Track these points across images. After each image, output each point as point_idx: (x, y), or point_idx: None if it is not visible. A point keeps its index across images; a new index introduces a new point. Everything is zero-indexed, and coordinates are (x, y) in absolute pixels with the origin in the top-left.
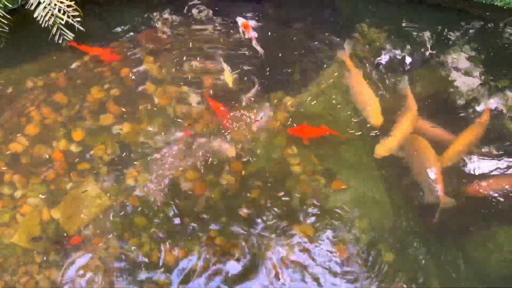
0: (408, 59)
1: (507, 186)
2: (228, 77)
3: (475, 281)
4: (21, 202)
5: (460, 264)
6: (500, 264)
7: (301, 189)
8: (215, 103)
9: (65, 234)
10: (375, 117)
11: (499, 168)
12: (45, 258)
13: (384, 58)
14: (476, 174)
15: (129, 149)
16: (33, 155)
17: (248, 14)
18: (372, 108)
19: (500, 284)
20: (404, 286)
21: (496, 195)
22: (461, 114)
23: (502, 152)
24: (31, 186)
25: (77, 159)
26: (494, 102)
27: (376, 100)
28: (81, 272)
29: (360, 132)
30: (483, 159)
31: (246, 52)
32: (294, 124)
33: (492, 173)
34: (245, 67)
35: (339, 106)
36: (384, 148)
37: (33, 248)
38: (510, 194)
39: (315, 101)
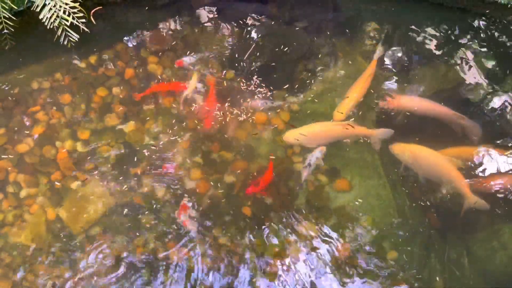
0: (412, 58)
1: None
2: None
3: (479, 279)
4: (27, 201)
5: (464, 262)
6: (504, 262)
7: (306, 188)
8: None
9: None
10: (338, 109)
11: (504, 166)
12: (50, 257)
13: (387, 57)
14: (483, 172)
15: (133, 148)
16: (39, 155)
17: (252, 14)
18: (345, 101)
19: (504, 282)
20: (408, 284)
21: (500, 192)
22: (465, 112)
23: (509, 151)
24: (37, 186)
25: (83, 159)
26: (498, 99)
27: (356, 96)
28: (86, 270)
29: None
30: (489, 157)
31: (250, 52)
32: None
33: (498, 172)
34: (249, 66)
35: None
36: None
37: (39, 247)
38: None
39: (318, 101)
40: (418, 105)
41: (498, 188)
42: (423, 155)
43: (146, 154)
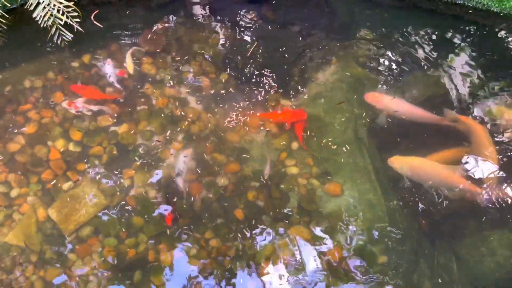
0: (404, 63)
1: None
2: (130, 65)
3: (468, 284)
4: (17, 201)
5: (453, 267)
6: (492, 268)
7: (298, 191)
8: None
9: None
10: None
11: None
12: (40, 257)
13: (379, 62)
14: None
15: (126, 149)
16: (30, 154)
17: (247, 16)
18: None
19: (492, 287)
20: None
21: (489, 198)
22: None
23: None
24: (28, 185)
25: (75, 159)
26: (488, 104)
27: None
28: (77, 271)
29: (354, 133)
30: (478, 161)
31: (244, 52)
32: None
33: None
34: (243, 68)
35: (336, 107)
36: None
37: (29, 248)
38: (503, 198)
39: (312, 103)
40: (399, 107)
41: (485, 193)
42: (421, 166)
43: (139, 155)
